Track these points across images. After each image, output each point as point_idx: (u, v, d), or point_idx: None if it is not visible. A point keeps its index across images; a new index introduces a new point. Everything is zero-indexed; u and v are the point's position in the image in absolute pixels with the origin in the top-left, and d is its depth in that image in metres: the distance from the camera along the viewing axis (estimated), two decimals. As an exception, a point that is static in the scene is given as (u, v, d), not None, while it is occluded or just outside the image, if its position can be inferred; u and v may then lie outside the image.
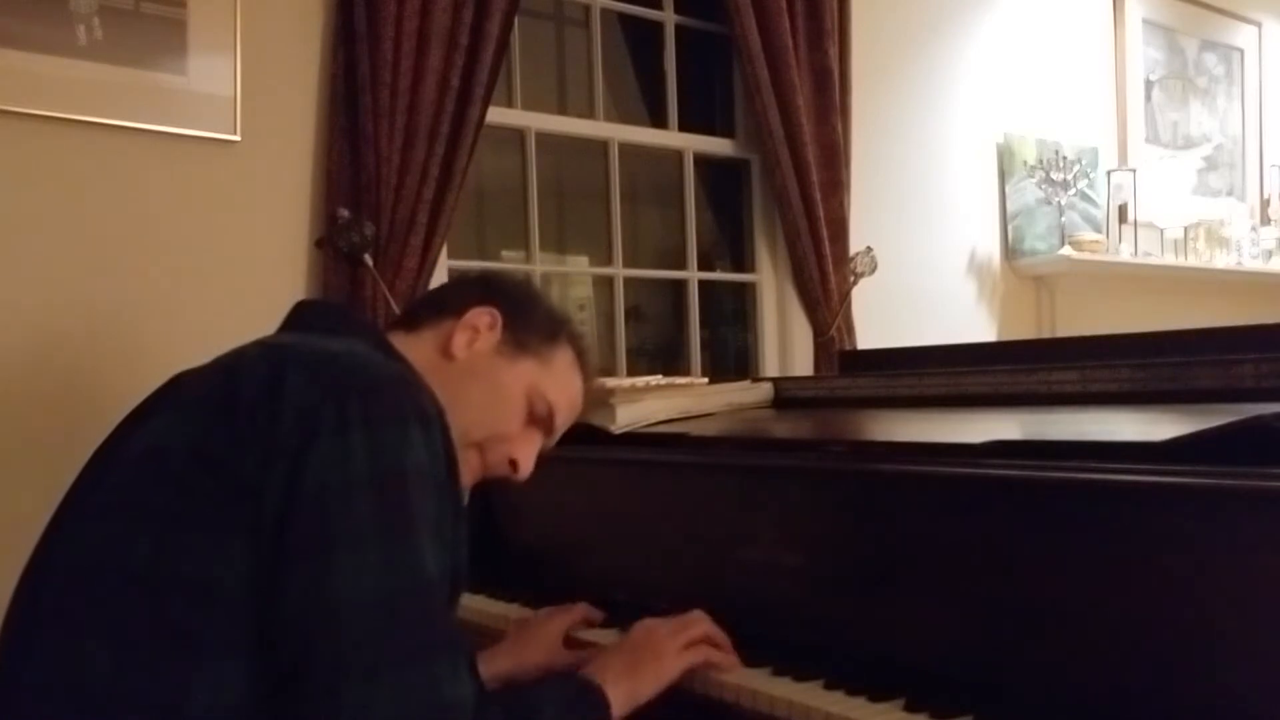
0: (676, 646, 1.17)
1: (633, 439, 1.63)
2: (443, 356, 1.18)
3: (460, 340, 1.19)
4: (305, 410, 0.91)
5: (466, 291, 1.25)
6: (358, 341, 1.07)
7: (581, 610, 1.41)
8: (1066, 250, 3.60)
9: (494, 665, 1.33)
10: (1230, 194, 4.48)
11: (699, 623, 1.21)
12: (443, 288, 1.37)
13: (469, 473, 1.18)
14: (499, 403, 1.21)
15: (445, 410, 1.01)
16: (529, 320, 1.24)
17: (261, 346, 1.03)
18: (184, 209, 2.18)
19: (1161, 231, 4.13)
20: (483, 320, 1.20)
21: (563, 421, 1.27)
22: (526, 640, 1.37)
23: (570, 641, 1.37)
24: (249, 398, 0.94)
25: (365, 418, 0.91)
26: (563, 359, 1.26)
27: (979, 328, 3.55)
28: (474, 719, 0.90)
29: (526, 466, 1.23)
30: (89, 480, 1.03)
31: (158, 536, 0.91)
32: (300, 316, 1.17)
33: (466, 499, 1.10)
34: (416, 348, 1.17)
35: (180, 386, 1.05)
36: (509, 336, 1.21)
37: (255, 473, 0.89)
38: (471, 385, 1.17)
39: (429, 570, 0.91)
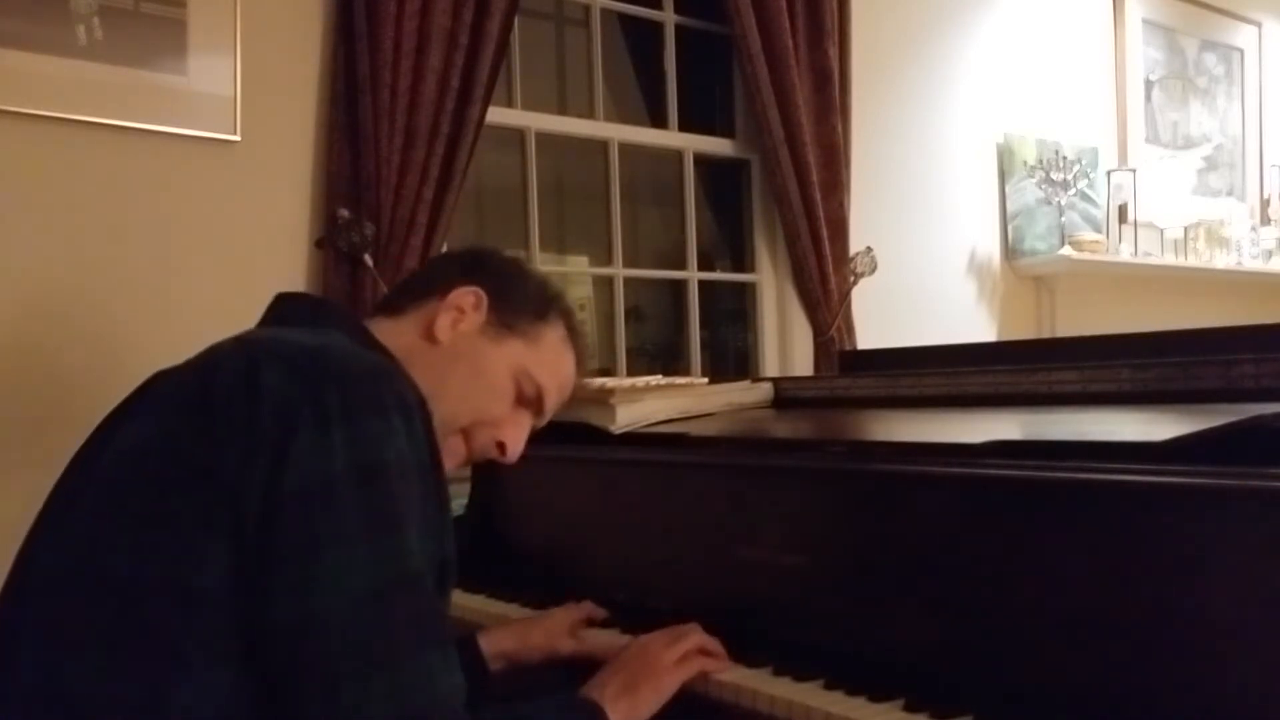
0: (671, 660, 1.16)
1: (633, 439, 1.63)
2: (426, 340, 1.15)
3: (444, 322, 1.15)
4: (283, 406, 0.89)
5: (450, 270, 1.21)
6: (335, 333, 1.05)
7: (587, 607, 1.41)
8: (1066, 250, 3.61)
9: (498, 643, 1.33)
10: (1230, 194, 4.48)
11: (692, 634, 1.20)
12: (426, 267, 1.27)
13: (454, 458, 1.16)
14: (484, 386, 1.17)
15: (429, 396, 1.00)
16: (516, 298, 1.20)
17: (236, 342, 1.01)
18: (184, 209, 2.18)
19: (1161, 231, 4.13)
20: (467, 300, 1.17)
21: (553, 403, 1.24)
22: (534, 623, 1.38)
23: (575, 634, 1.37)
24: (224, 395, 0.91)
25: (344, 411, 0.89)
26: (552, 337, 1.22)
27: (979, 328, 3.56)
28: (470, 717, 0.90)
29: (515, 449, 1.20)
30: (68, 486, 1.01)
31: (137, 541, 0.89)
32: (279, 309, 1.15)
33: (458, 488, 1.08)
34: (399, 333, 1.14)
35: (156, 386, 1.03)
36: (494, 317, 1.18)
37: (234, 472, 0.87)
38: (456, 368, 1.15)
39: (416, 563, 0.90)
